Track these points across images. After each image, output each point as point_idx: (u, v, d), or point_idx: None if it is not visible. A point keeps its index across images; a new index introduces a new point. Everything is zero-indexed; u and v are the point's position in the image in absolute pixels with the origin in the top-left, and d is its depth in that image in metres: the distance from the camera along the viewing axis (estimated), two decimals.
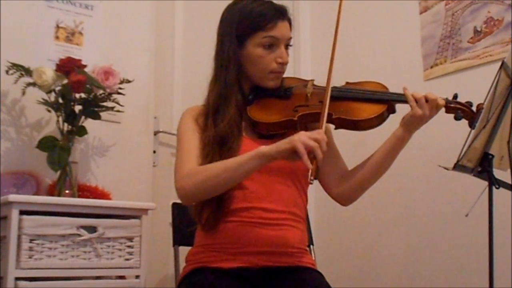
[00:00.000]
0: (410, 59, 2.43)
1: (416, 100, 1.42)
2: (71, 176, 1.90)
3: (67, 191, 1.88)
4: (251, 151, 1.34)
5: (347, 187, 1.54)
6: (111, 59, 2.08)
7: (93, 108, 1.96)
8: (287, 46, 1.53)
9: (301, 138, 1.27)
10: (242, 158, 1.35)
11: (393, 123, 1.49)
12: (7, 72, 1.89)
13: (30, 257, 1.63)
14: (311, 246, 1.82)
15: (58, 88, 1.90)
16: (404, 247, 2.36)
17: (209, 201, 1.43)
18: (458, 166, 1.38)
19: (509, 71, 1.42)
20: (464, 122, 1.44)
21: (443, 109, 1.44)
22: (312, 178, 1.26)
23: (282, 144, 1.30)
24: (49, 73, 1.85)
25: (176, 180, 1.43)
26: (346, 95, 1.50)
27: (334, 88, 1.51)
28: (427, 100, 1.41)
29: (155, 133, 2.42)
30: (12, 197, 1.66)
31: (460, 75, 2.22)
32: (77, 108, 1.95)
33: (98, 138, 2.18)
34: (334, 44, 1.46)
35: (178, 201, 1.48)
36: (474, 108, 1.43)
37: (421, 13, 2.41)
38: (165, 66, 2.51)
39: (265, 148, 1.32)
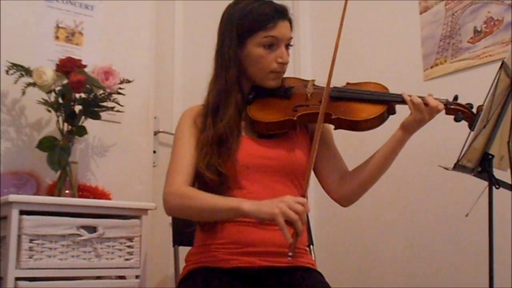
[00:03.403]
0: (410, 59, 2.42)
1: (415, 105, 1.42)
2: (71, 176, 1.90)
3: (67, 191, 1.88)
4: (233, 201, 1.34)
5: (347, 188, 1.54)
6: (111, 59, 2.08)
7: (93, 108, 1.96)
8: (287, 46, 1.53)
9: (282, 209, 1.22)
10: (222, 204, 1.34)
11: (393, 123, 1.49)
12: (7, 72, 1.89)
13: (30, 257, 1.63)
14: (311, 246, 1.82)
15: (58, 88, 1.90)
16: (404, 247, 2.36)
17: None
18: (458, 166, 1.38)
19: (509, 71, 1.42)
20: (464, 122, 1.44)
21: (443, 110, 1.44)
22: (290, 254, 1.23)
23: (262, 213, 1.26)
24: (49, 73, 1.85)
25: (164, 191, 1.44)
26: (346, 95, 1.50)
27: (334, 88, 1.51)
28: (426, 104, 1.41)
29: (155, 133, 2.42)
30: (12, 197, 1.66)
31: (460, 75, 2.22)
32: (77, 108, 1.95)
33: (98, 138, 2.18)
34: (336, 43, 1.46)
35: None
36: (474, 110, 1.43)
37: (421, 13, 2.41)
38: (165, 66, 2.51)
39: (245, 206, 1.29)
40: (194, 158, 1.46)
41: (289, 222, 1.22)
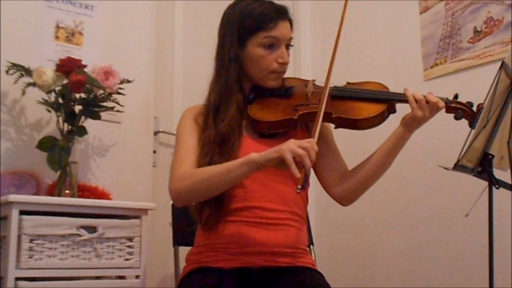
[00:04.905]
0: (410, 59, 2.42)
1: (417, 101, 1.42)
2: (71, 176, 1.90)
3: (67, 191, 1.88)
4: (241, 158, 1.35)
5: (347, 187, 1.54)
6: (111, 59, 2.08)
7: (93, 108, 1.96)
8: (288, 46, 1.53)
9: (290, 147, 1.25)
10: (232, 164, 1.35)
11: (393, 122, 1.49)
12: (7, 72, 1.89)
13: (30, 257, 1.63)
14: (311, 246, 1.82)
15: (58, 88, 1.90)
16: (404, 247, 2.36)
17: (209, 201, 1.44)
18: (458, 166, 1.38)
19: (509, 71, 1.42)
20: (464, 122, 1.44)
21: (444, 109, 1.44)
22: (299, 187, 1.25)
23: (270, 153, 1.29)
24: (49, 73, 1.85)
25: (169, 182, 1.44)
26: (346, 94, 1.51)
27: (334, 87, 1.51)
28: (427, 102, 1.41)
29: (155, 133, 2.42)
30: (12, 197, 1.66)
31: (460, 75, 2.22)
32: (77, 108, 1.95)
33: (98, 138, 2.18)
34: (336, 43, 1.46)
35: None
36: (474, 108, 1.43)
37: (421, 13, 2.41)
38: (165, 66, 2.51)
39: (254, 156, 1.31)
40: (197, 155, 1.46)
41: (297, 160, 1.24)
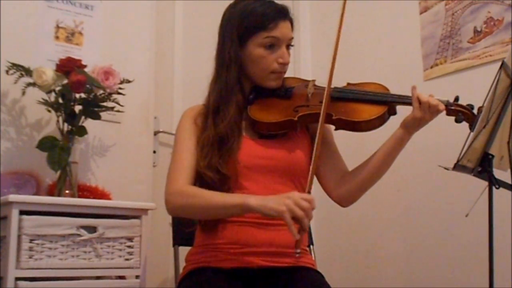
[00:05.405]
0: (410, 59, 2.42)
1: (420, 102, 1.42)
2: (71, 176, 1.90)
3: (67, 191, 1.88)
4: (239, 197, 1.34)
5: (347, 188, 1.54)
6: (111, 59, 2.08)
7: (93, 108, 1.95)
8: (288, 46, 1.53)
9: (289, 207, 1.23)
10: (228, 200, 1.35)
11: (393, 124, 1.49)
12: (7, 72, 1.89)
13: (30, 257, 1.63)
14: (311, 246, 1.82)
15: (58, 88, 1.90)
16: (404, 247, 2.36)
17: None
18: (458, 166, 1.38)
19: (509, 71, 1.42)
20: (464, 123, 1.44)
21: (444, 112, 1.44)
22: (298, 251, 1.25)
23: (269, 209, 1.26)
24: (49, 73, 1.84)
25: (165, 191, 1.44)
26: (346, 95, 1.50)
27: (334, 88, 1.51)
28: (428, 105, 1.41)
29: (155, 133, 2.42)
30: (12, 197, 1.65)
31: (460, 75, 2.22)
32: (77, 108, 1.95)
33: (98, 138, 2.17)
34: (336, 45, 1.46)
35: None
36: (475, 111, 1.43)
37: (421, 13, 2.41)
38: (165, 66, 2.51)
39: (252, 202, 1.29)
40: (195, 158, 1.46)
41: (296, 219, 1.23)
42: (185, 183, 1.43)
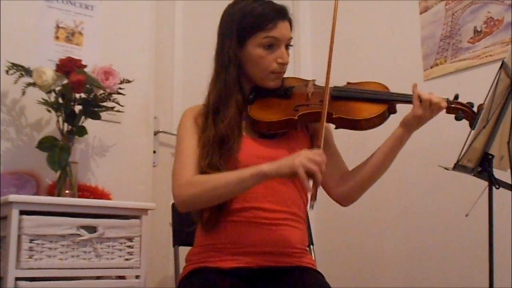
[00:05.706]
0: (410, 59, 2.43)
1: (421, 100, 1.42)
2: (71, 176, 1.90)
3: (67, 191, 1.88)
4: (252, 168, 1.34)
5: (347, 188, 1.54)
6: (111, 59, 2.08)
7: (93, 108, 1.96)
8: (287, 46, 1.53)
9: (302, 162, 1.26)
10: (243, 174, 1.35)
11: (393, 123, 1.49)
12: (7, 72, 1.89)
13: (30, 257, 1.63)
14: (311, 246, 1.82)
15: (58, 88, 1.90)
16: (404, 247, 2.36)
17: None
18: (458, 166, 1.38)
19: (509, 71, 1.42)
20: (464, 122, 1.44)
21: (444, 110, 1.44)
22: (312, 202, 1.27)
23: (283, 167, 1.30)
24: (49, 73, 1.85)
25: (174, 186, 1.43)
26: (346, 94, 1.51)
27: (335, 87, 1.51)
28: (429, 102, 1.42)
29: (155, 133, 2.42)
30: (12, 197, 1.65)
31: (460, 75, 2.22)
32: (77, 108, 1.95)
33: (98, 138, 2.18)
34: (331, 46, 1.46)
35: None
36: (475, 109, 1.43)
37: (421, 13, 2.41)
38: (165, 66, 2.51)
39: (265, 168, 1.32)
40: (198, 155, 1.46)
41: (309, 174, 1.25)
42: (192, 174, 1.43)
